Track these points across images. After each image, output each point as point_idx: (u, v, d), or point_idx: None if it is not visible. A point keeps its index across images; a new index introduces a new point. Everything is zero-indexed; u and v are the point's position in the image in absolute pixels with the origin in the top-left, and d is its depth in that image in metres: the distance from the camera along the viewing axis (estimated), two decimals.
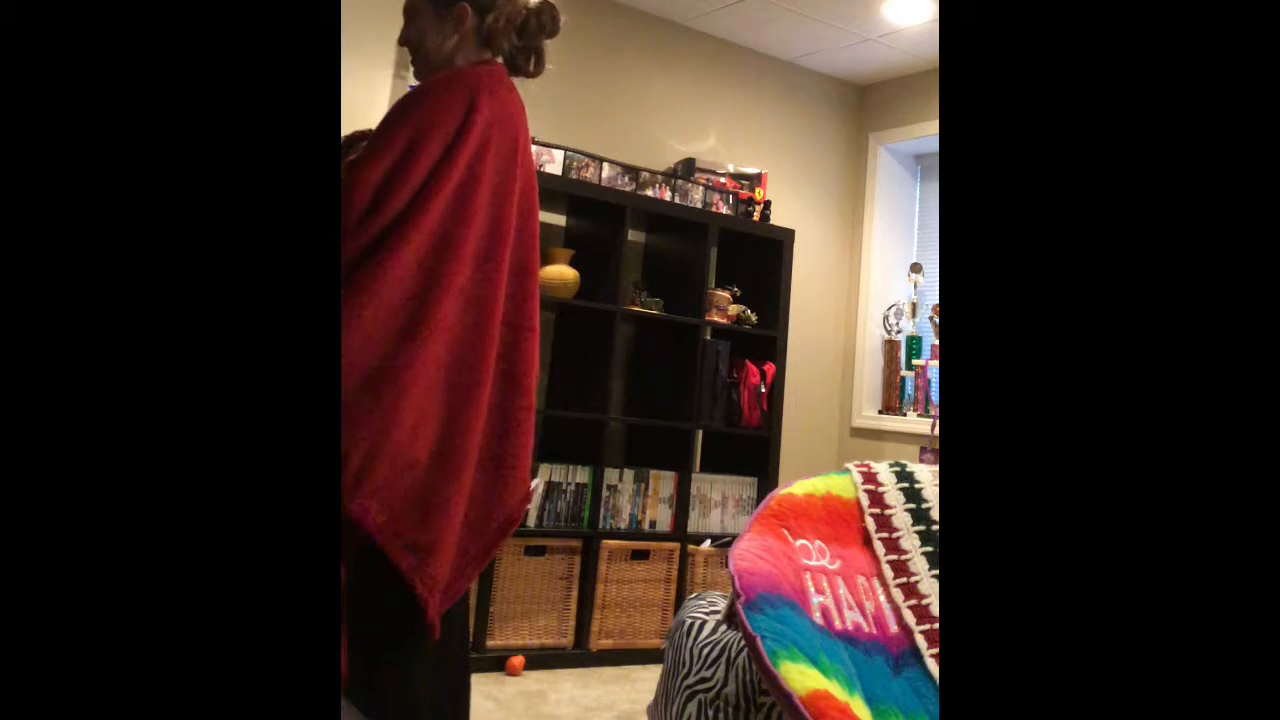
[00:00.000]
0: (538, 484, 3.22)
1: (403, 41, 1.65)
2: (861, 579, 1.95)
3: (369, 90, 3.30)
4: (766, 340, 3.73)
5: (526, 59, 1.67)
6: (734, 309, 3.68)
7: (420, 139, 1.46)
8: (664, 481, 3.49)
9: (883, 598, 1.94)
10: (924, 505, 2.11)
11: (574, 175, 3.38)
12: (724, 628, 1.88)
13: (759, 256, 3.82)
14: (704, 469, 3.78)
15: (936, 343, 4.07)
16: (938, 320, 4.06)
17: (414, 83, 1.69)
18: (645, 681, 3.11)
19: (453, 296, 1.49)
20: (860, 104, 4.51)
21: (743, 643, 1.78)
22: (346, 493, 1.38)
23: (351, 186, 1.42)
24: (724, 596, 2.08)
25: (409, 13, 1.63)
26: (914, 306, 4.29)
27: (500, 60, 1.66)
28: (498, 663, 3.09)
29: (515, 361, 1.62)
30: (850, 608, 1.86)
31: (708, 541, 3.53)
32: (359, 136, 1.71)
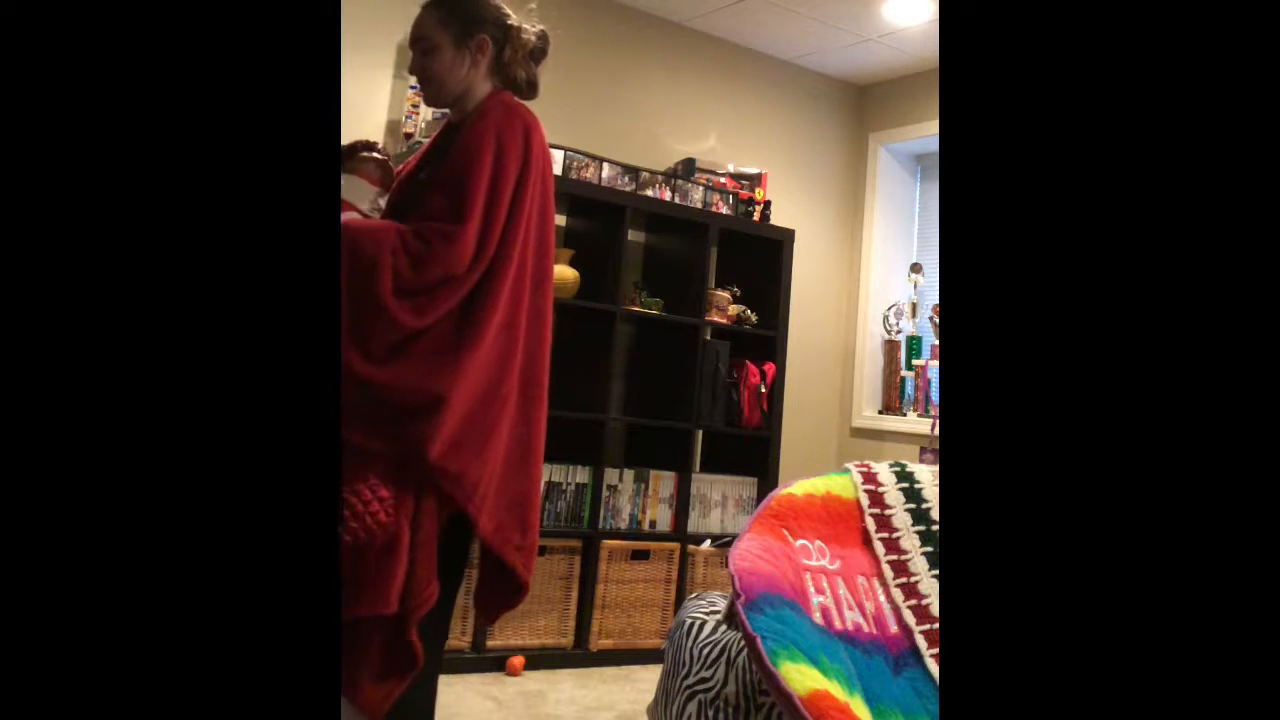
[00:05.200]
0: None
1: (414, 71, 1.71)
2: (861, 579, 1.95)
3: (369, 90, 3.30)
4: (766, 340, 3.73)
5: (529, 85, 1.81)
6: (734, 309, 3.68)
7: (499, 177, 1.57)
8: (664, 481, 3.49)
9: (883, 598, 1.94)
10: (924, 505, 2.11)
11: (574, 175, 3.37)
12: (724, 628, 1.88)
13: (759, 256, 3.82)
14: (704, 469, 3.78)
15: (936, 343, 4.06)
16: (938, 320, 4.06)
17: (414, 88, 1.72)
18: (645, 681, 3.11)
19: (524, 318, 1.62)
20: (860, 104, 4.51)
21: (743, 643, 1.78)
22: (474, 509, 1.53)
23: (457, 236, 1.51)
24: (724, 596, 2.08)
25: (421, 43, 1.69)
26: (914, 306, 4.29)
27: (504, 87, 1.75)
28: (498, 663, 3.09)
29: None
30: (850, 608, 1.86)
31: (708, 541, 3.53)
32: (361, 146, 1.72)
